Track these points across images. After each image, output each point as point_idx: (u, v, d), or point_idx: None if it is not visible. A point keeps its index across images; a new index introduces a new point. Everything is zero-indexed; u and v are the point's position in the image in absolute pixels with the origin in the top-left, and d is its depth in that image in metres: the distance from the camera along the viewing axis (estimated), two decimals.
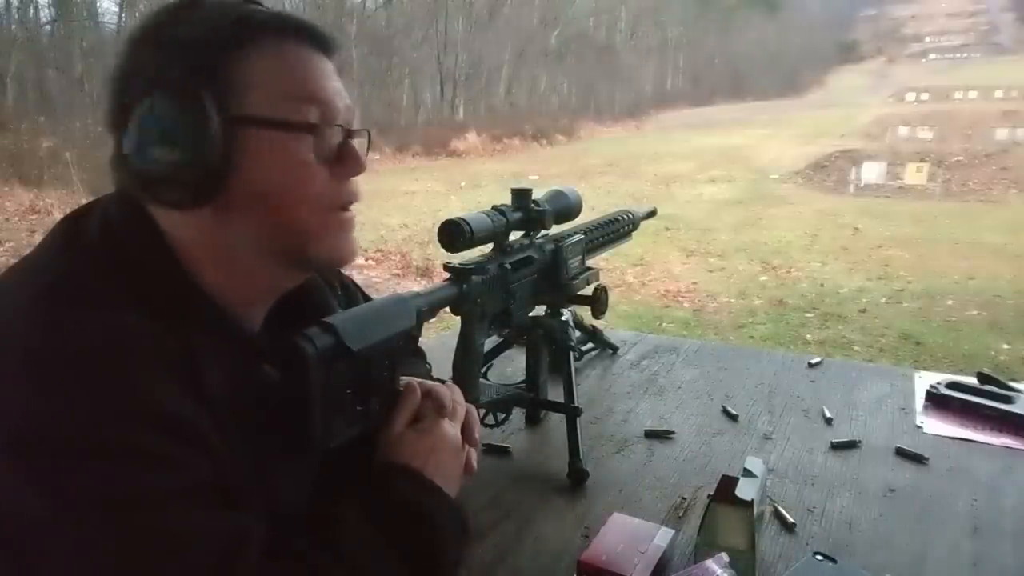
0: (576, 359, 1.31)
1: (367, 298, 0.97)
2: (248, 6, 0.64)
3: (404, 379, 0.76)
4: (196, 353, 0.60)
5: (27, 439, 0.51)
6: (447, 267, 0.94)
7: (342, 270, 0.89)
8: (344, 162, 0.66)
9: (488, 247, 1.01)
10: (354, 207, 0.69)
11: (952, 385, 1.32)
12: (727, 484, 0.85)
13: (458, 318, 0.96)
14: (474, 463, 0.77)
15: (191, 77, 0.59)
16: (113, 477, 0.52)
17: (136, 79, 0.61)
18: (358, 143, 0.68)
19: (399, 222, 8.74)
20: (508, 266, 1.00)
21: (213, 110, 0.59)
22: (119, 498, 0.52)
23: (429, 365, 0.95)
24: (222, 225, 0.63)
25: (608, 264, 6.01)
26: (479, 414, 1.07)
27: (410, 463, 0.69)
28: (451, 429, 0.74)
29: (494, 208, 0.99)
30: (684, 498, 1.01)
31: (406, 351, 0.78)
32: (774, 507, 0.97)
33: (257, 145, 0.61)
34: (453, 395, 0.78)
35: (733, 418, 1.27)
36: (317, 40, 0.65)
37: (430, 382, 0.78)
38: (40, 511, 0.51)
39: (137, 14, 16.30)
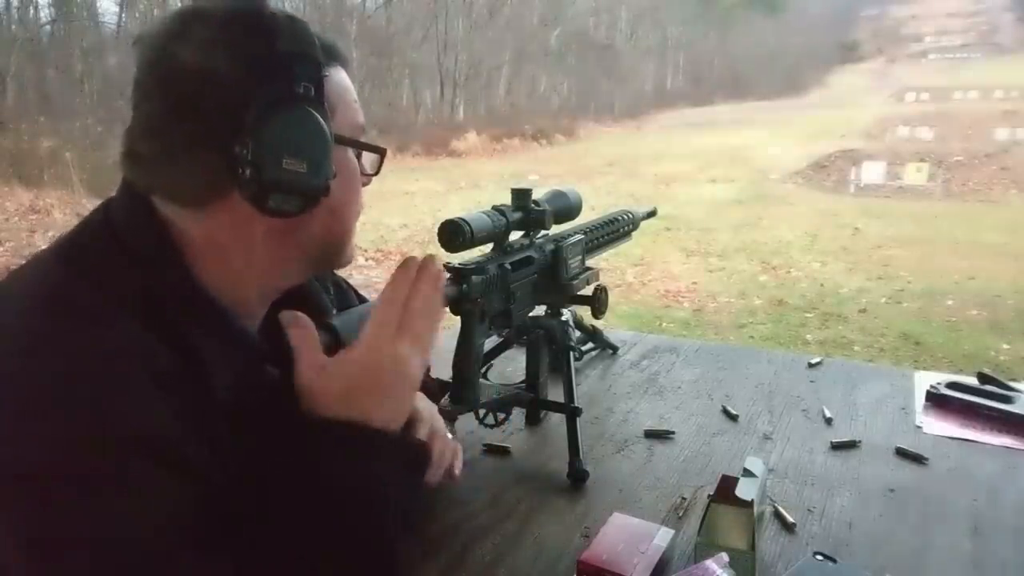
0: (576, 359, 1.31)
1: (360, 297, 0.97)
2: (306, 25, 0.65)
3: (284, 314, 0.67)
4: (203, 356, 0.59)
5: (2, 471, 0.49)
6: (447, 267, 0.94)
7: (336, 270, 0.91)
8: (366, 174, 0.74)
9: (488, 247, 1.01)
10: None
11: (952, 385, 1.32)
12: (727, 484, 0.85)
13: (458, 318, 0.96)
14: (457, 468, 0.88)
15: (315, 93, 0.62)
16: (90, 513, 0.49)
17: (232, 87, 0.58)
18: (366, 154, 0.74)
19: (399, 222, 8.74)
20: (508, 266, 1.00)
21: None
22: (95, 536, 0.49)
23: (430, 365, 0.95)
24: (249, 225, 0.63)
25: (608, 264, 6.01)
26: (479, 414, 1.07)
27: (324, 412, 0.61)
28: (376, 342, 0.65)
29: (494, 208, 0.99)
30: (684, 498, 1.00)
31: None
32: (774, 507, 0.97)
33: (336, 160, 0.65)
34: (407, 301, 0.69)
35: (733, 418, 1.27)
36: (346, 62, 0.71)
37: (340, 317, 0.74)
38: (12, 550, 0.48)
39: (137, 14, 16.31)
